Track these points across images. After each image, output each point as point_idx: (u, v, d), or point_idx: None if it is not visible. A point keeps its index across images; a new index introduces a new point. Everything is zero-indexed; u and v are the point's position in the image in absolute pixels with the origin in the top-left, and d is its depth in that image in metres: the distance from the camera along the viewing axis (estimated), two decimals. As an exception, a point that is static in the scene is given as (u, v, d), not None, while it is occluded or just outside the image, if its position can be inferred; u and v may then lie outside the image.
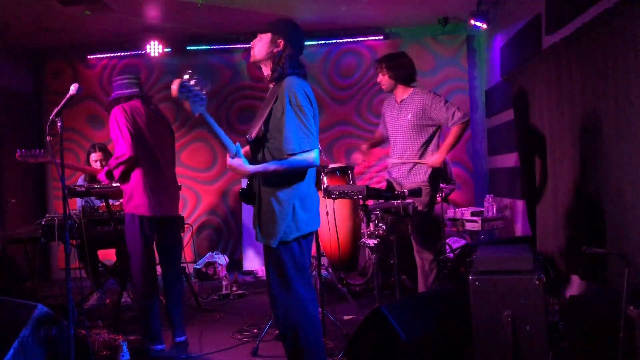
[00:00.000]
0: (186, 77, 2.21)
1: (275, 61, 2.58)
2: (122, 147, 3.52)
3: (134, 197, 3.60)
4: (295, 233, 2.48)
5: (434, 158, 4.04)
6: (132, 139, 3.53)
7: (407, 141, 4.12)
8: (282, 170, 2.43)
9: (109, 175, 3.61)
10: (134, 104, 3.66)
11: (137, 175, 3.60)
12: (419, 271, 4.13)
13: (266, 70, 2.64)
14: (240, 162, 2.41)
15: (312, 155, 2.43)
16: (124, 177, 3.60)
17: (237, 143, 2.45)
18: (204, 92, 2.30)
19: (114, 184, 3.93)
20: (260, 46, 2.61)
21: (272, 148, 2.50)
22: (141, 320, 3.67)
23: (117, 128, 3.54)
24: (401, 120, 4.11)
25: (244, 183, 2.68)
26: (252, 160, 2.57)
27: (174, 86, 2.18)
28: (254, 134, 2.53)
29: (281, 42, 2.57)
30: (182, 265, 4.06)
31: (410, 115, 4.05)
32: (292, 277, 2.47)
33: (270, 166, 2.44)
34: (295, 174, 2.48)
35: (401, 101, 4.12)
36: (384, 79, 4.14)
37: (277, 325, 2.62)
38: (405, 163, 4.12)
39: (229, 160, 2.42)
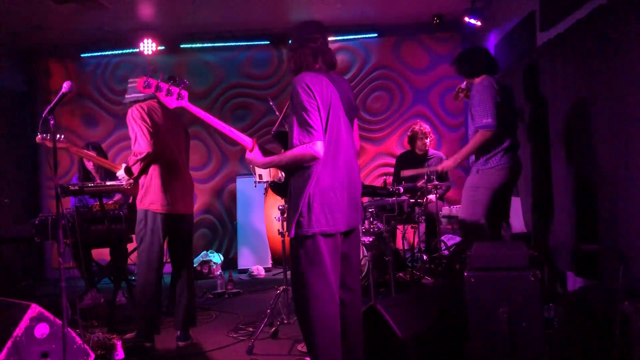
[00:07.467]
0: (150, 72, 2.45)
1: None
2: (140, 144, 3.57)
3: (149, 194, 3.65)
4: (310, 228, 2.47)
5: (446, 163, 4.03)
6: (150, 135, 3.58)
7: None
8: (287, 161, 2.52)
9: (128, 171, 3.68)
10: (151, 104, 3.71)
11: (153, 172, 3.66)
12: None
13: None
14: (255, 155, 2.63)
15: (312, 147, 2.43)
16: (143, 174, 3.68)
17: (254, 138, 2.66)
18: (179, 88, 2.51)
19: (130, 180, 3.92)
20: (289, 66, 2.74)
21: (289, 143, 2.58)
22: (140, 317, 3.68)
23: (135, 125, 3.59)
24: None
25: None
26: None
27: (139, 81, 2.45)
28: (274, 130, 2.79)
29: (293, 49, 2.66)
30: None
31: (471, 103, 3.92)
32: (306, 271, 2.49)
33: (276, 157, 2.59)
34: (304, 167, 2.49)
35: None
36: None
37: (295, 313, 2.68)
38: None
39: (247, 154, 2.65)
